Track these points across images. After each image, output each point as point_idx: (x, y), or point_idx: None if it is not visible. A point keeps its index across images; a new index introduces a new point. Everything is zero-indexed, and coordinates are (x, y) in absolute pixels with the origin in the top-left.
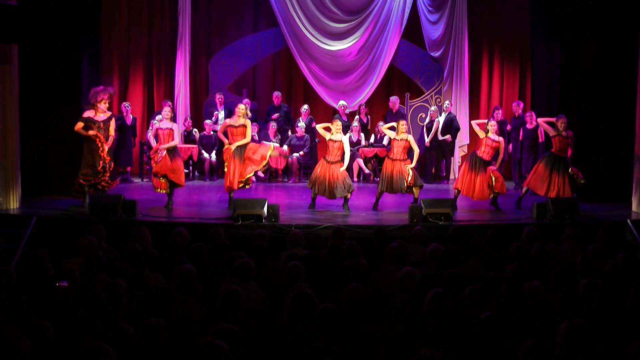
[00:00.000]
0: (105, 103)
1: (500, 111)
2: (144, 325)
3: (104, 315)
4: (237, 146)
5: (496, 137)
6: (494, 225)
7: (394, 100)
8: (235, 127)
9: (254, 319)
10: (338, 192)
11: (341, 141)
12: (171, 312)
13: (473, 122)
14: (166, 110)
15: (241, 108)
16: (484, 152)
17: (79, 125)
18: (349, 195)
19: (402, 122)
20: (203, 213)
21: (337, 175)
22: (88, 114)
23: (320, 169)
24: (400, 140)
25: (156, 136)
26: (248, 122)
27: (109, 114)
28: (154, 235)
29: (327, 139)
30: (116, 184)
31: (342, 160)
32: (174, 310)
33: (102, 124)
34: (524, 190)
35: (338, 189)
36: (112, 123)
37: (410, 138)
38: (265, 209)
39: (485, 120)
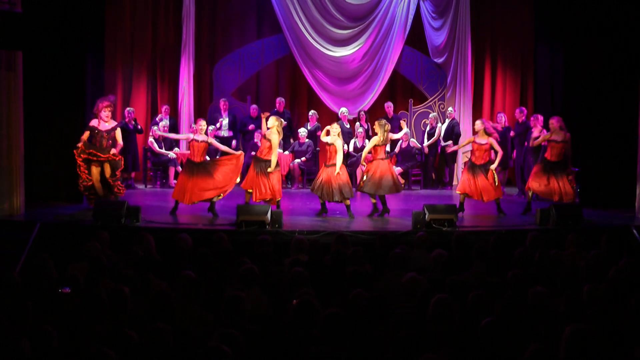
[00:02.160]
0: (106, 111)
1: (502, 115)
2: (149, 330)
3: (108, 320)
4: (261, 161)
5: (483, 140)
6: (497, 231)
7: (389, 106)
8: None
9: (258, 324)
10: (334, 196)
11: (334, 144)
12: (175, 317)
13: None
14: (201, 124)
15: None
16: (477, 158)
17: (86, 134)
18: (348, 202)
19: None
20: (207, 219)
21: (333, 179)
22: (93, 123)
23: (321, 174)
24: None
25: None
26: (273, 138)
27: (113, 123)
28: (158, 241)
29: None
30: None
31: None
32: (178, 316)
33: (105, 134)
34: (529, 194)
35: (335, 193)
36: (118, 132)
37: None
38: (268, 215)
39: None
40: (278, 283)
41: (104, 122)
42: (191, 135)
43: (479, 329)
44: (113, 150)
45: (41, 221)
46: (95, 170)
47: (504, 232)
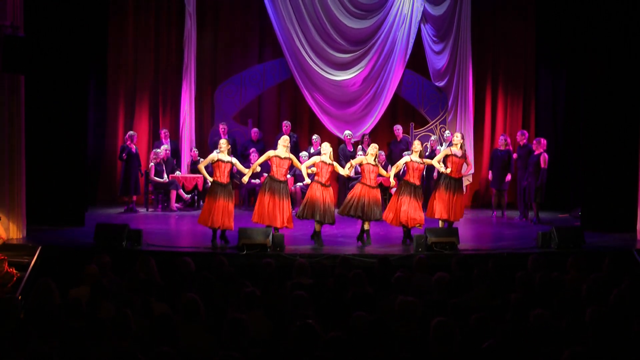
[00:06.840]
0: None
1: (504, 137)
2: (154, 353)
3: (112, 343)
4: (279, 182)
5: (458, 152)
6: (498, 254)
7: (397, 129)
8: (282, 158)
9: (259, 347)
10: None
11: (332, 164)
12: (178, 340)
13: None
14: (222, 144)
15: (285, 140)
16: (454, 172)
17: None
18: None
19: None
20: (208, 242)
21: (331, 199)
22: None
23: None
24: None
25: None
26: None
27: None
28: (160, 265)
29: (318, 160)
30: None
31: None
32: (181, 339)
33: None
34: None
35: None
36: None
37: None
38: (270, 239)
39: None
40: (280, 306)
41: None
42: (216, 157)
43: (480, 352)
44: None
45: (43, 244)
46: None
47: (505, 255)
